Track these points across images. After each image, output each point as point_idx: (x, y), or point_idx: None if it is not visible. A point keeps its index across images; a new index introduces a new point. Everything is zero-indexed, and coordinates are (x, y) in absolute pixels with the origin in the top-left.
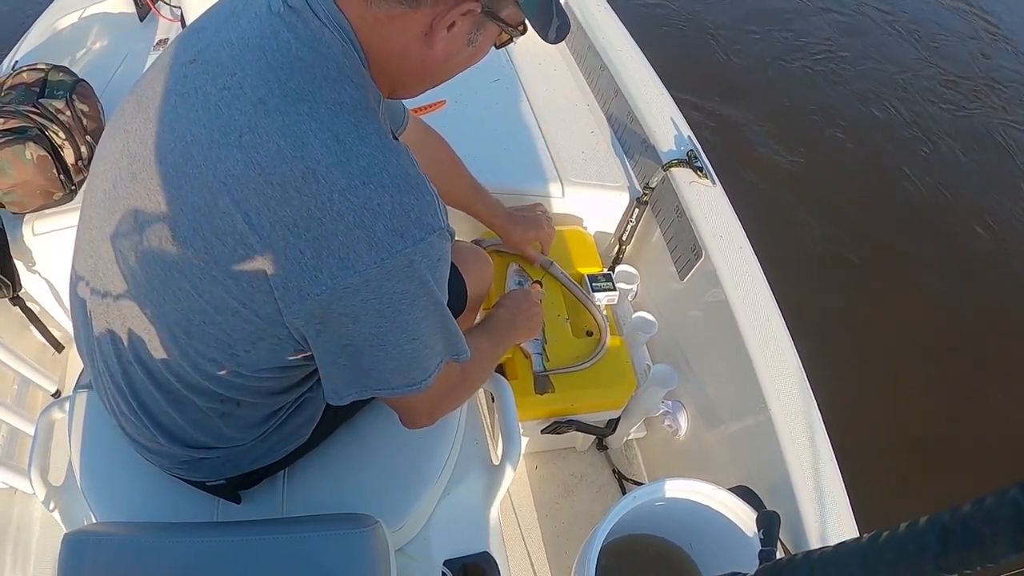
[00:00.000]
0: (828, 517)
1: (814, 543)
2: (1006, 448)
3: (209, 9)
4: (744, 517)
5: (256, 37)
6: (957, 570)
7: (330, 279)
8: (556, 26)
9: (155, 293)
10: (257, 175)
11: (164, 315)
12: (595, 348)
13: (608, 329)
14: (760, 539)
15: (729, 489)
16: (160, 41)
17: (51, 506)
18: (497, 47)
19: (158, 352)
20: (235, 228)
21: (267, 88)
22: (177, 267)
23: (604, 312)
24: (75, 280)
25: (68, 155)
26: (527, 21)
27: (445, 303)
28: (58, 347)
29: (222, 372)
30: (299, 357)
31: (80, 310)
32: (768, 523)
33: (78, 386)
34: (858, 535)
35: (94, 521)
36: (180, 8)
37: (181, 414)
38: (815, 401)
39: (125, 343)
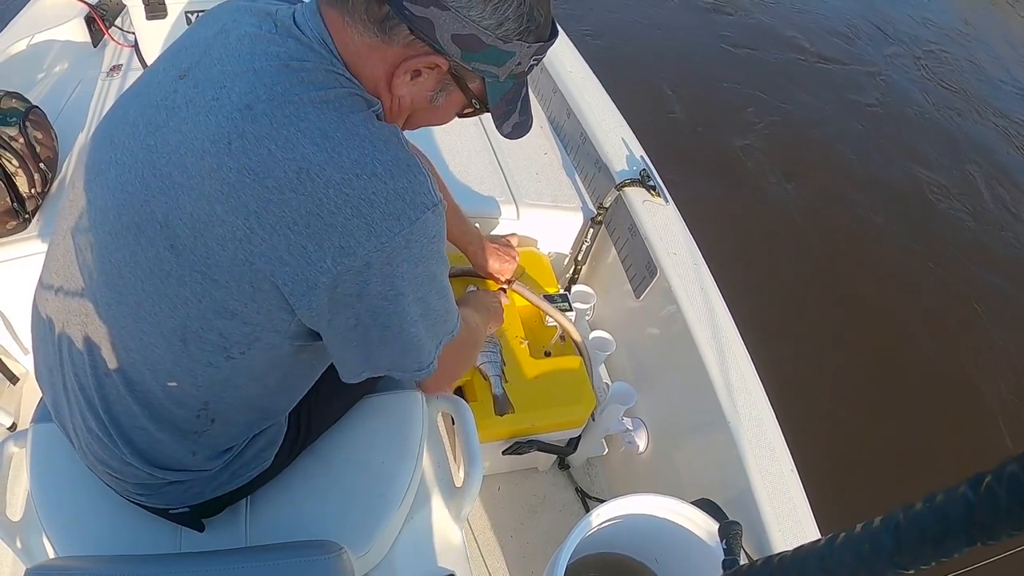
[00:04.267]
0: (791, 525)
1: (778, 551)
2: (964, 449)
3: (193, 26)
4: (708, 529)
5: (247, 53)
6: (913, 566)
7: (333, 265)
8: (514, 123)
9: (150, 302)
10: (252, 180)
11: (160, 323)
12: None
13: (576, 331)
14: (723, 549)
15: (691, 503)
16: (114, 67)
17: (11, 542)
18: (459, 116)
19: (147, 361)
20: (235, 234)
21: (253, 94)
22: (176, 275)
23: (570, 317)
24: (42, 296)
25: (21, 183)
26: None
27: (445, 275)
28: (12, 380)
29: (212, 378)
30: (294, 350)
31: (44, 328)
32: (730, 533)
33: (35, 419)
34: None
35: (56, 556)
36: (134, 33)
37: (156, 428)
38: (774, 412)
39: (104, 355)
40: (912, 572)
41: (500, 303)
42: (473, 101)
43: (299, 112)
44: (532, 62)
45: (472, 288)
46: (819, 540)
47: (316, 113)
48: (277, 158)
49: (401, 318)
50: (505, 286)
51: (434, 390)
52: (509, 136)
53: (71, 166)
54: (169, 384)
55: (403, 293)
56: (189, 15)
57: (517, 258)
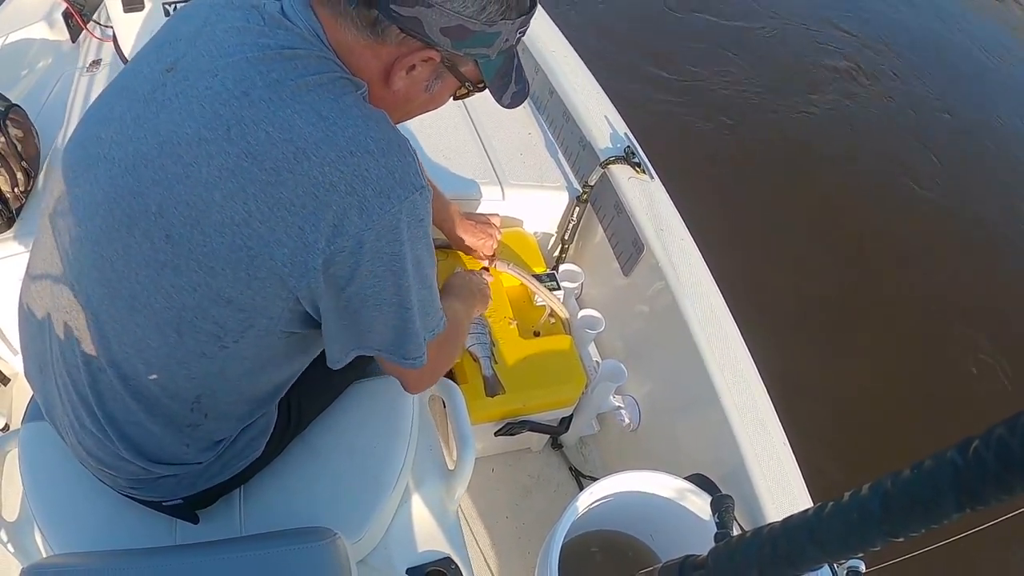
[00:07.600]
0: (785, 497)
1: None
2: (954, 414)
3: (171, 21)
4: (702, 504)
5: (236, 45)
6: (903, 534)
7: (327, 245)
8: (512, 92)
9: (145, 294)
10: (250, 164)
11: (155, 315)
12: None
13: (564, 310)
14: (716, 523)
15: (685, 478)
16: (93, 62)
17: (6, 542)
18: (455, 99)
19: (141, 355)
20: (233, 219)
21: (249, 81)
22: (171, 265)
23: (559, 297)
24: (30, 294)
25: (4, 183)
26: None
27: (432, 267)
28: (3, 381)
29: (206, 369)
30: (284, 336)
31: (32, 326)
32: (722, 507)
33: (26, 418)
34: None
35: (52, 553)
36: (112, 27)
37: (151, 422)
38: (764, 385)
39: (97, 351)
40: (902, 539)
41: (486, 283)
42: (466, 83)
43: (295, 95)
44: (519, 35)
45: (458, 270)
46: (808, 510)
47: (311, 95)
48: (275, 139)
49: (392, 297)
50: (488, 264)
51: (418, 389)
52: (509, 106)
53: (54, 163)
54: (163, 377)
55: (393, 272)
56: (167, 6)
57: (498, 235)
